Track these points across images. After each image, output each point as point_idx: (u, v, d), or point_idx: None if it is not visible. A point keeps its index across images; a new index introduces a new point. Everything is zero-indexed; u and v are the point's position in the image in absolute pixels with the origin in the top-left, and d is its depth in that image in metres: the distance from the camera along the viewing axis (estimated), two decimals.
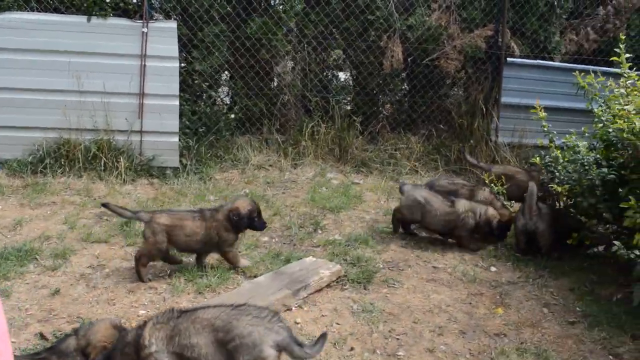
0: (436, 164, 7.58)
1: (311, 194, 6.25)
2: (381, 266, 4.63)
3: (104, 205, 4.32)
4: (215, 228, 4.24)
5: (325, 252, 4.81)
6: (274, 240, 5.10)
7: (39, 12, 6.34)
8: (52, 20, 6.28)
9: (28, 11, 6.29)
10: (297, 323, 3.72)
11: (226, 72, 7.70)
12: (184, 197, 6.11)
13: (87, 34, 6.36)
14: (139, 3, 6.54)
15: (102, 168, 6.53)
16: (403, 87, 8.39)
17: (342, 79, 8.34)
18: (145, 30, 6.43)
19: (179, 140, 6.87)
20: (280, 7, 7.27)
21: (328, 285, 4.22)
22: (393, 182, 6.89)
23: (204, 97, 7.39)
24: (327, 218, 5.65)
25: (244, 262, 4.43)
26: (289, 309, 3.88)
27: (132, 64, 6.52)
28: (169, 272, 4.34)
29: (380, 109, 8.34)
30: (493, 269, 4.74)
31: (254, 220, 4.33)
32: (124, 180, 6.48)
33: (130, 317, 3.70)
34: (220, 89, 7.87)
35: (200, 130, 7.20)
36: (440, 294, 4.23)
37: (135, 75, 6.53)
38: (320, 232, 5.32)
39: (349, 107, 8.08)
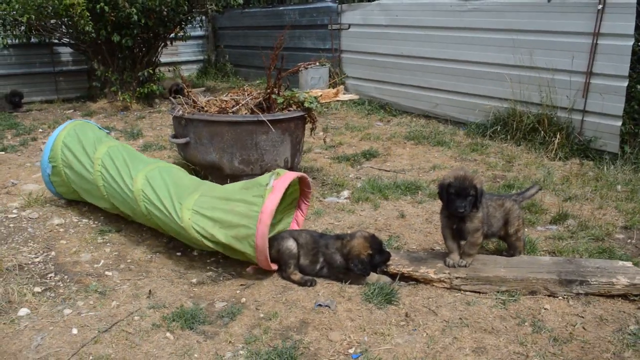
0: None
1: None
2: None
3: None
4: None
5: None
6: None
7: None
8: (518, 2, 7.06)
9: None
10: (545, 309, 3.58)
11: None
12: (594, 182, 5.90)
13: (545, 14, 6.80)
14: None
15: (540, 141, 7.01)
16: None
17: None
18: (600, 7, 6.29)
19: (623, 125, 6.46)
20: None
21: (624, 296, 3.66)
22: None
23: None
24: None
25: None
26: (552, 295, 3.71)
27: (581, 42, 6.54)
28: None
29: None
30: None
31: None
32: (555, 155, 6.77)
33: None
34: None
35: None
36: None
37: (582, 53, 6.54)
38: None
39: None
